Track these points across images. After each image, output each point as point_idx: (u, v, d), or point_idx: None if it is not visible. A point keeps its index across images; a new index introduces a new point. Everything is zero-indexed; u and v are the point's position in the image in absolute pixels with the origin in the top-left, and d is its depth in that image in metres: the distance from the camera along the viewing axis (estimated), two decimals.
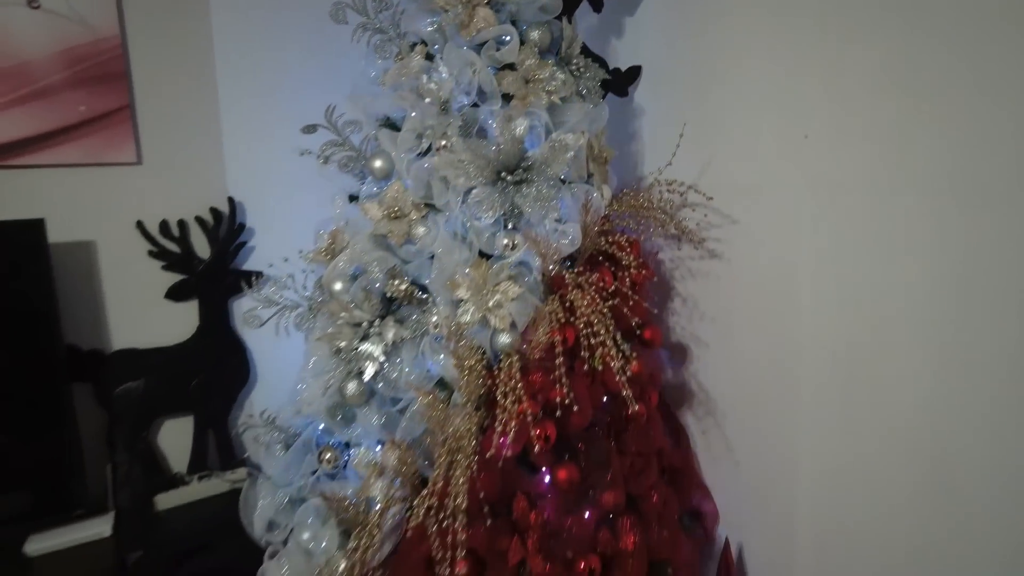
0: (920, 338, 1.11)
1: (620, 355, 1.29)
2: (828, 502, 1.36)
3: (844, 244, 1.24)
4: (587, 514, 1.38)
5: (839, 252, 1.25)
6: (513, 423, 1.22)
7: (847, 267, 1.24)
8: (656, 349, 1.57)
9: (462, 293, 1.31)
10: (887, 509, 1.21)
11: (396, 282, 1.32)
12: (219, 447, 1.87)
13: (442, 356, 1.36)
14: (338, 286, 1.44)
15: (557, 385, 1.29)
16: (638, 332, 1.47)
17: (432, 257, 1.42)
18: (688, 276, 1.72)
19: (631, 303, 1.41)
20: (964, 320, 1.04)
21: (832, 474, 1.34)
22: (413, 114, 1.38)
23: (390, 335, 1.33)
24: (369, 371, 1.35)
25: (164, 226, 1.75)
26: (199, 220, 1.79)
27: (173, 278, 1.78)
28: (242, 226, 1.84)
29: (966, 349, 1.04)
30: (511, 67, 1.41)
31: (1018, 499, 0.99)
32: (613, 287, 1.39)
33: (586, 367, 1.37)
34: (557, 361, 1.28)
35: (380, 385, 1.36)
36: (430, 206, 1.42)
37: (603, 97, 1.62)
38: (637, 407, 1.28)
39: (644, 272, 1.47)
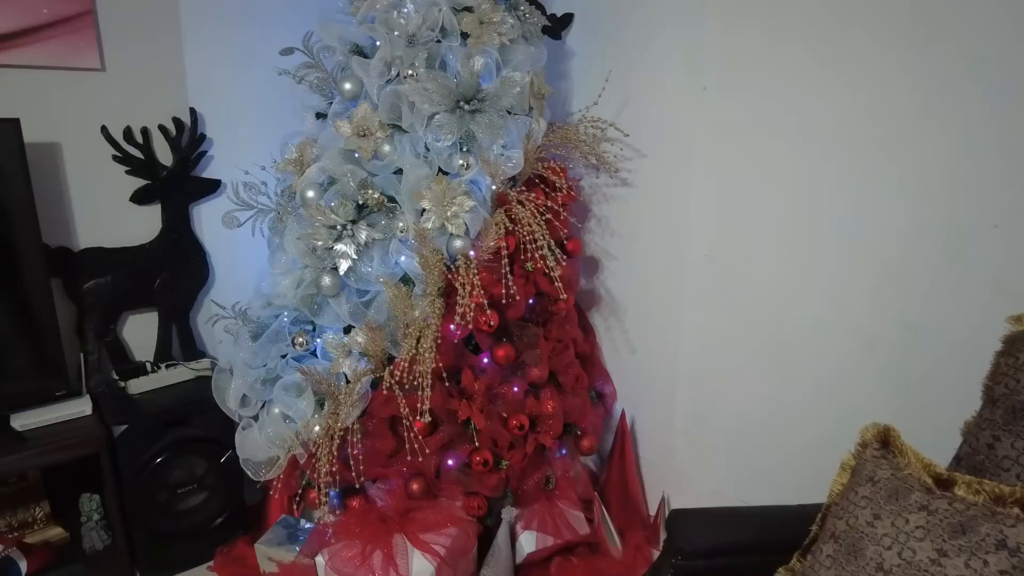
0: (770, 245, 1.52)
1: (553, 258, 1.61)
2: (700, 379, 1.79)
3: (726, 175, 1.61)
4: (518, 384, 1.73)
5: (721, 181, 1.62)
6: (469, 311, 1.53)
7: (726, 192, 1.61)
8: (576, 258, 1.92)
9: (425, 204, 1.57)
10: (742, 379, 1.65)
11: (370, 191, 1.55)
12: (181, 340, 2.05)
13: (403, 257, 1.63)
14: (311, 193, 1.65)
15: (501, 282, 1.60)
16: (564, 243, 1.79)
17: (395, 172, 1.65)
18: (603, 200, 2.06)
19: (560, 219, 1.73)
20: (798, 231, 1.45)
21: (702, 353, 1.76)
22: (383, 45, 1.58)
23: (363, 236, 1.57)
24: (343, 267, 1.59)
25: (128, 132, 1.85)
26: (162, 128, 1.89)
27: (137, 182, 1.89)
28: (203, 136, 1.96)
29: (797, 254, 1.46)
30: (468, 9, 1.63)
31: (832, 363, 1.43)
32: (547, 205, 1.70)
33: (523, 269, 1.69)
34: (503, 263, 1.59)
35: (352, 279, 1.61)
36: (395, 127, 1.65)
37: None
38: (565, 296, 1.62)
39: (571, 194, 1.79)
